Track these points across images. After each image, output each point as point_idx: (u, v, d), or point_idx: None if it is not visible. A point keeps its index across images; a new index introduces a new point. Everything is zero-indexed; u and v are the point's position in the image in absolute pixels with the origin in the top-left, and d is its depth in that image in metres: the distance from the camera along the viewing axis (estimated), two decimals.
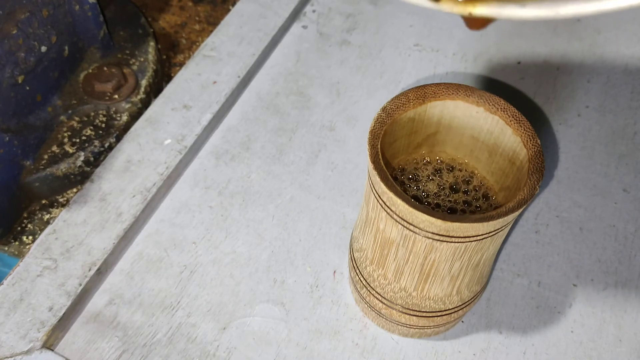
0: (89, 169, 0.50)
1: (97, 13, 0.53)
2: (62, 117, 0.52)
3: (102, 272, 0.44)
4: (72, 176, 0.50)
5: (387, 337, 0.42)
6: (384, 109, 0.35)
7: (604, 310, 0.44)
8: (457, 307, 0.38)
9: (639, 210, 0.48)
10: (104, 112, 0.53)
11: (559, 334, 0.42)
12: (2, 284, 0.42)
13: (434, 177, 0.39)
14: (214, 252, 0.46)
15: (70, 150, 0.50)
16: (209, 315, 0.43)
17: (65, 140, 0.51)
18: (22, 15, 0.46)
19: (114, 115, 0.53)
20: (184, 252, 0.45)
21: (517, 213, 0.31)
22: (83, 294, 0.42)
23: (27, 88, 0.49)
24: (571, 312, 0.43)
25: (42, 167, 0.49)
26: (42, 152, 0.50)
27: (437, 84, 0.36)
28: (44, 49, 0.49)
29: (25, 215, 0.50)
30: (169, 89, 0.53)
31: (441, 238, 0.32)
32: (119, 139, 0.51)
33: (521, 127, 0.34)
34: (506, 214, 0.31)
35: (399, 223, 0.32)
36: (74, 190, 0.51)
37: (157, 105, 0.52)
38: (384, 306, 0.39)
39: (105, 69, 0.54)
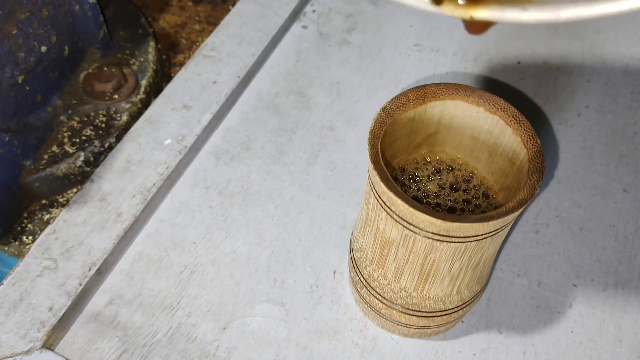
0: (89, 169, 0.50)
1: (97, 13, 0.53)
2: (62, 117, 0.52)
3: (102, 272, 0.44)
4: (72, 176, 0.50)
5: (387, 337, 0.42)
6: (384, 109, 0.35)
7: (604, 310, 0.44)
8: (457, 307, 0.38)
9: (639, 210, 0.48)
10: (104, 112, 0.53)
11: (559, 334, 0.42)
12: (2, 284, 0.42)
13: (434, 177, 0.39)
14: (214, 252, 0.46)
15: (70, 150, 0.50)
16: (209, 315, 0.43)
17: (65, 140, 0.51)
18: (22, 15, 0.46)
19: (114, 115, 0.53)
20: (184, 252, 0.45)
21: (517, 213, 0.31)
22: (83, 294, 0.42)
23: (27, 88, 0.49)
24: (571, 312, 0.43)
25: (42, 167, 0.49)
26: (42, 152, 0.50)
27: (437, 84, 0.36)
28: (44, 49, 0.49)
29: (25, 215, 0.50)
30: (169, 89, 0.53)
31: (441, 238, 0.32)
32: (119, 139, 0.51)
33: (521, 127, 0.34)
34: (506, 214, 0.31)
35: (399, 223, 0.32)
36: (74, 190, 0.51)
37: (157, 105, 0.52)
38: (384, 306, 0.39)
39: (105, 69, 0.54)
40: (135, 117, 0.53)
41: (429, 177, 0.39)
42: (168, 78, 0.60)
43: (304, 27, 0.61)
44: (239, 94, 0.55)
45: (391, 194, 0.31)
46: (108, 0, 0.60)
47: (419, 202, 0.37)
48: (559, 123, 0.54)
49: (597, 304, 0.44)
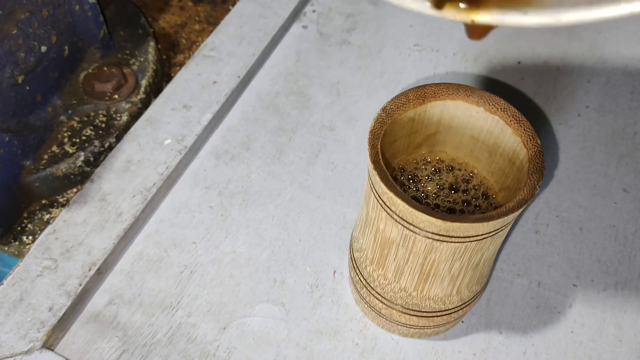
0: (89, 169, 0.50)
1: (97, 13, 0.53)
2: (62, 117, 0.52)
3: (102, 272, 0.44)
4: (72, 176, 0.50)
5: (387, 337, 0.42)
6: (384, 109, 0.35)
7: (604, 310, 0.44)
8: (457, 307, 0.38)
9: (639, 210, 0.48)
10: (104, 112, 0.53)
11: (559, 334, 0.42)
12: (2, 284, 0.42)
13: (433, 177, 0.39)
14: (214, 252, 0.46)
15: (70, 150, 0.50)
16: (209, 315, 0.43)
17: (65, 140, 0.51)
18: (22, 15, 0.46)
19: (114, 115, 0.53)
20: (184, 252, 0.45)
21: (517, 213, 0.31)
22: (83, 294, 0.42)
23: (27, 88, 0.49)
24: (571, 312, 0.43)
25: (42, 167, 0.49)
26: (42, 152, 0.50)
27: (437, 84, 0.36)
28: (44, 49, 0.49)
29: (25, 215, 0.50)
30: (169, 89, 0.53)
31: (441, 238, 0.32)
32: (119, 139, 0.51)
33: (521, 127, 0.34)
34: (506, 214, 0.31)
35: (399, 223, 0.32)
36: (74, 190, 0.51)
37: (157, 105, 0.52)
38: (384, 306, 0.39)
39: (105, 69, 0.54)
40: (135, 117, 0.53)
41: (428, 177, 0.39)
42: (168, 78, 0.60)
43: (304, 27, 0.61)
44: (239, 94, 0.55)
45: (391, 194, 0.31)
46: (108, 0, 0.60)
47: (419, 202, 0.37)
48: (559, 123, 0.54)
49: (597, 304, 0.44)
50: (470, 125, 0.37)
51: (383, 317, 0.40)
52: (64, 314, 0.41)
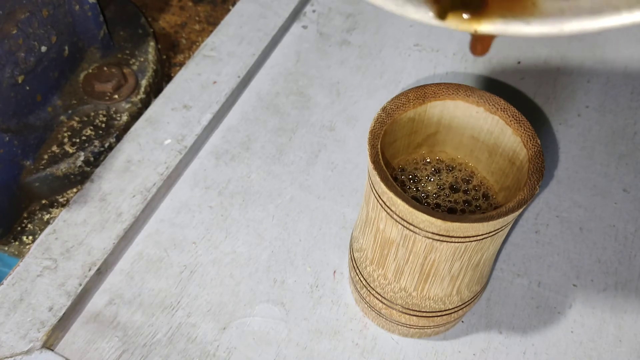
0: (89, 169, 0.50)
1: (97, 13, 0.53)
2: (62, 117, 0.52)
3: (102, 272, 0.44)
4: (72, 176, 0.50)
5: (387, 337, 0.42)
6: (384, 109, 0.35)
7: (604, 310, 0.44)
8: (457, 307, 0.38)
9: (639, 210, 0.48)
10: (104, 112, 0.53)
11: (559, 334, 0.42)
12: (2, 284, 0.42)
13: (433, 178, 0.39)
14: (214, 252, 0.46)
15: (70, 150, 0.50)
16: (209, 315, 0.43)
17: (65, 140, 0.51)
18: (22, 15, 0.46)
19: (114, 115, 0.53)
20: (184, 252, 0.45)
21: (517, 213, 0.31)
22: (83, 294, 0.42)
23: (27, 88, 0.49)
24: (571, 312, 0.43)
25: (42, 167, 0.49)
26: (42, 152, 0.50)
27: (437, 84, 0.36)
28: (44, 49, 0.49)
29: (25, 215, 0.50)
30: (169, 89, 0.53)
31: (441, 238, 0.32)
32: (119, 139, 0.51)
33: (521, 127, 0.34)
34: (506, 214, 0.31)
35: (399, 223, 0.32)
36: (74, 190, 0.51)
37: (157, 105, 0.52)
38: (384, 306, 0.39)
39: (105, 69, 0.54)
40: (135, 117, 0.53)
41: (428, 177, 0.39)
42: (168, 78, 0.60)
43: (304, 27, 0.61)
44: (239, 94, 0.55)
45: (391, 194, 0.31)
46: (108, 0, 0.60)
47: (419, 202, 0.37)
48: (559, 123, 0.54)
49: (597, 304, 0.44)
50: (470, 125, 0.37)
51: (383, 317, 0.40)
52: (64, 314, 0.41)
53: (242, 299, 0.43)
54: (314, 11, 0.62)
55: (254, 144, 0.52)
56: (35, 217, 0.50)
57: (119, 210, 0.46)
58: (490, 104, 0.35)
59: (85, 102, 0.53)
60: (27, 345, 0.40)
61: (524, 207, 0.31)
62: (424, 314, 0.38)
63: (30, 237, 0.49)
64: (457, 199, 0.38)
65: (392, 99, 0.35)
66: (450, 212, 0.37)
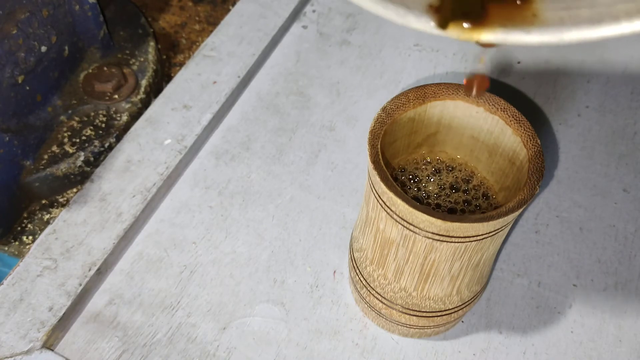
0: (89, 169, 0.50)
1: (97, 13, 0.53)
2: (62, 117, 0.52)
3: (102, 272, 0.44)
4: (72, 176, 0.50)
5: (387, 337, 0.42)
6: (384, 109, 0.35)
7: (604, 310, 0.44)
8: (457, 307, 0.38)
9: (639, 210, 0.48)
10: (104, 112, 0.53)
11: (559, 334, 0.42)
12: (2, 284, 0.42)
13: (434, 178, 0.39)
14: (214, 252, 0.46)
15: (70, 150, 0.50)
16: (209, 315, 0.43)
17: (65, 140, 0.51)
18: (22, 15, 0.46)
19: (114, 115, 0.53)
20: (184, 252, 0.45)
21: (517, 213, 0.31)
22: (83, 294, 0.42)
23: (27, 88, 0.49)
24: (571, 312, 0.43)
25: (42, 167, 0.49)
26: (42, 152, 0.50)
27: (437, 84, 0.36)
28: (44, 49, 0.49)
29: (25, 215, 0.50)
30: (169, 89, 0.53)
31: (441, 238, 0.32)
32: (119, 139, 0.51)
33: (521, 127, 0.34)
34: (506, 214, 0.31)
35: (399, 223, 0.32)
36: (74, 190, 0.51)
37: (157, 105, 0.52)
38: (384, 306, 0.39)
39: (105, 69, 0.54)
40: (135, 117, 0.53)
41: (429, 177, 0.39)
42: (168, 78, 0.60)
43: (304, 27, 0.61)
44: (239, 94, 0.55)
45: (391, 194, 0.31)
46: (108, 0, 0.60)
47: (419, 202, 0.37)
48: (559, 123, 0.54)
49: (597, 304, 0.44)
50: (470, 125, 0.37)
51: (383, 317, 0.40)
52: (64, 314, 0.41)
53: (242, 299, 0.43)
54: (314, 11, 0.62)
55: (254, 144, 0.52)
56: (35, 217, 0.50)
57: (119, 210, 0.46)
58: (490, 104, 0.35)
59: (85, 102, 0.53)
60: (27, 345, 0.40)
61: (524, 207, 0.31)
62: (424, 314, 0.38)
63: (30, 237, 0.49)
64: (457, 199, 0.38)
65: (392, 99, 0.35)
66: (450, 212, 0.37)
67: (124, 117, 0.53)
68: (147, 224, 0.47)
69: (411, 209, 0.31)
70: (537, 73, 0.57)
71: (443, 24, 0.22)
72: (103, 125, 0.52)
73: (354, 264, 0.40)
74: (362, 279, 0.39)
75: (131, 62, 0.56)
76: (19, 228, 0.49)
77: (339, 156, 0.51)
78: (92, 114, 0.53)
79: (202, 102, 0.52)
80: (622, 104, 0.55)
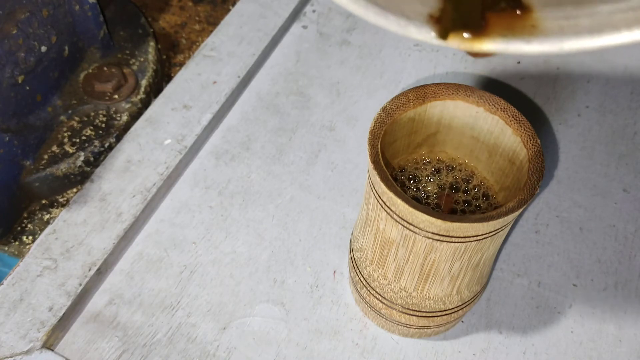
0: (89, 169, 0.50)
1: (97, 13, 0.53)
2: (62, 117, 0.52)
3: (102, 272, 0.44)
4: (72, 176, 0.50)
5: (387, 337, 0.42)
6: (384, 109, 0.35)
7: (604, 310, 0.44)
8: (457, 307, 0.38)
9: (639, 210, 0.48)
10: (104, 112, 0.53)
11: (559, 334, 0.42)
12: (2, 284, 0.42)
13: (433, 178, 0.39)
14: (214, 252, 0.46)
15: (70, 150, 0.50)
16: (209, 315, 0.43)
17: (65, 140, 0.51)
18: (22, 15, 0.46)
19: (114, 115, 0.53)
20: (184, 252, 0.45)
21: (517, 213, 0.31)
22: (83, 294, 0.42)
23: (27, 88, 0.49)
24: (571, 312, 0.43)
25: (42, 167, 0.49)
26: (42, 152, 0.50)
27: (437, 84, 0.36)
28: (44, 49, 0.49)
29: (25, 215, 0.50)
30: (169, 89, 0.53)
31: (441, 238, 0.32)
32: (119, 139, 0.51)
33: (521, 127, 0.34)
34: (506, 214, 0.31)
35: (399, 223, 0.32)
36: (74, 190, 0.51)
37: (157, 105, 0.52)
38: (384, 306, 0.39)
39: (105, 69, 0.54)
40: (135, 117, 0.53)
41: (428, 177, 0.39)
42: (168, 78, 0.60)
43: (304, 27, 0.61)
44: (239, 94, 0.55)
45: (391, 194, 0.31)
46: (108, 0, 0.60)
47: (419, 202, 0.37)
48: (559, 123, 0.54)
49: (597, 304, 0.44)
50: (470, 125, 0.37)
51: (383, 317, 0.40)
52: (64, 314, 0.41)
53: (242, 299, 0.43)
54: (314, 11, 0.62)
55: (254, 144, 0.52)
56: (35, 217, 0.50)
57: (119, 210, 0.46)
58: (490, 104, 0.35)
59: (85, 102, 0.53)
60: (27, 345, 0.40)
61: (524, 207, 0.31)
62: (424, 314, 0.38)
63: (30, 237, 0.49)
64: (457, 198, 0.38)
65: (392, 99, 0.35)
66: (450, 212, 0.37)
67: (124, 117, 0.53)
68: (147, 224, 0.47)
69: (411, 209, 0.31)
70: (537, 73, 0.57)
71: (444, 35, 0.22)
72: (103, 125, 0.52)
73: (354, 264, 0.40)
74: (362, 279, 0.39)
75: (131, 62, 0.56)
76: (19, 228, 0.49)
77: (339, 156, 0.51)
78: (92, 114, 0.53)
79: (202, 102, 0.52)
80: (622, 104, 0.55)
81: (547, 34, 0.21)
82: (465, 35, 0.22)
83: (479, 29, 0.22)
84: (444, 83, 0.36)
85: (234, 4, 0.62)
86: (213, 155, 0.51)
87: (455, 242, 0.32)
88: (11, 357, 0.39)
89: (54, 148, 0.50)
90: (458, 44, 0.22)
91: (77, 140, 0.51)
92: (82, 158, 0.50)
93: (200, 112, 0.52)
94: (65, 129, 0.51)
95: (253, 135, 0.52)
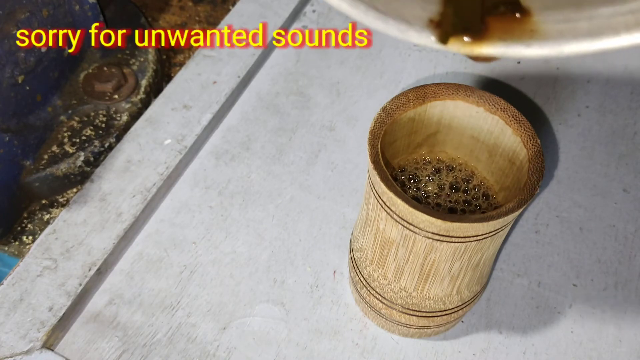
0: (89, 169, 0.50)
1: (97, 13, 0.53)
2: (62, 117, 0.52)
3: (102, 272, 0.44)
4: (72, 176, 0.50)
5: (387, 337, 0.42)
6: (384, 109, 0.35)
7: (604, 310, 0.44)
8: (457, 307, 0.38)
9: (639, 210, 0.48)
10: (104, 112, 0.53)
11: (559, 334, 0.42)
12: (2, 284, 0.42)
13: (434, 178, 0.39)
14: (214, 252, 0.46)
15: (70, 150, 0.50)
16: (209, 315, 0.43)
17: (65, 140, 0.51)
18: (22, 15, 0.46)
19: (114, 115, 0.53)
20: (184, 252, 0.45)
21: (517, 213, 0.31)
22: (83, 294, 0.42)
23: (27, 88, 0.49)
24: (571, 312, 0.43)
25: (42, 167, 0.49)
26: (42, 152, 0.50)
27: (437, 84, 0.36)
28: (44, 49, 0.49)
29: (25, 215, 0.50)
30: (169, 89, 0.53)
31: (441, 238, 0.32)
32: (119, 139, 0.51)
33: (521, 127, 0.35)
34: (506, 214, 0.31)
35: (399, 223, 0.32)
36: (74, 190, 0.51)
37: (157, 105, 0.52)
38: (384, 306, 0.39)
39: (105, 69, 0.54)
40: (135, 117, 0.53)
41: (428, 177, 0.39)
42: (168, 78, 0.60)
43: (304, 27, 0.61)
44: (239, 94, 0.55)
45: (391, 194, 0.31)
46: (108, 0, 0.60)
47: (419, 202, 0.37)
48: (559, 123, 0.54)
49: (597, 304, 0.44)
50: (470, 125, 0.37)
51: (383, 317, 0.40)
52: (64, 314, 0.41)
53: (242, 299, 0.43)
54: (314, 11, 0.62)
55: (254, 144, 0.52)
56: (35, 217, 0.50)
57: (119, 210, 0.46)
58: (490, 104, 0.35)
59: (85, 102, 0.53)
60: (27, 345, 0.40)
61: (524, 207, 0.31)
62: (424, 314, 0.38)
63: (30, 237, 0.49)
64: (457, 198, 0.38)
65: (392, 99, 0.35)
66: (450, 212, 0.37)
67: (124, 117, 0.53)
68: (147, 224, 0.47)
69: (411, 209, 0.31)
70: (537, 73, 0.57)
71: (444, 39, 0.22)
72: (103, 125, 0.52)
73: (354, 264, 0.40)
74: (362, 279, 0.39)
75: (131, 62, 0.56)
76: (19, 228, 0.49)
77: (339, 156, 0.51)
78: (92, 114, 0.53)
79: (202, 102, 0.52)
80: (622, 104, 0.55)
81: (547, 37, 0.21)
82: (466, 39, 0.22)
83: (479, 33, 0.22)
84: (444, 83, 0.36)
85: (234, 4, 0.62)
86: (213, 155, 0.51)
87: (455, 242, 0.32)
88: (11, 357, 0.39)
89: (54, 148, 0.50)
90: (458, 48, 0.22)
91: (77, 140, 0.51)
92: (82, 158, 0.50)
93: (200, 112, 0.52)
94: (65, 129, 0.51)
95: (253, 135, 0.52)
